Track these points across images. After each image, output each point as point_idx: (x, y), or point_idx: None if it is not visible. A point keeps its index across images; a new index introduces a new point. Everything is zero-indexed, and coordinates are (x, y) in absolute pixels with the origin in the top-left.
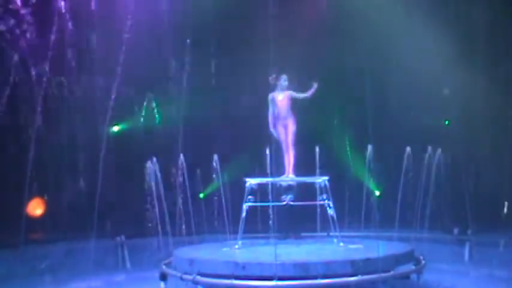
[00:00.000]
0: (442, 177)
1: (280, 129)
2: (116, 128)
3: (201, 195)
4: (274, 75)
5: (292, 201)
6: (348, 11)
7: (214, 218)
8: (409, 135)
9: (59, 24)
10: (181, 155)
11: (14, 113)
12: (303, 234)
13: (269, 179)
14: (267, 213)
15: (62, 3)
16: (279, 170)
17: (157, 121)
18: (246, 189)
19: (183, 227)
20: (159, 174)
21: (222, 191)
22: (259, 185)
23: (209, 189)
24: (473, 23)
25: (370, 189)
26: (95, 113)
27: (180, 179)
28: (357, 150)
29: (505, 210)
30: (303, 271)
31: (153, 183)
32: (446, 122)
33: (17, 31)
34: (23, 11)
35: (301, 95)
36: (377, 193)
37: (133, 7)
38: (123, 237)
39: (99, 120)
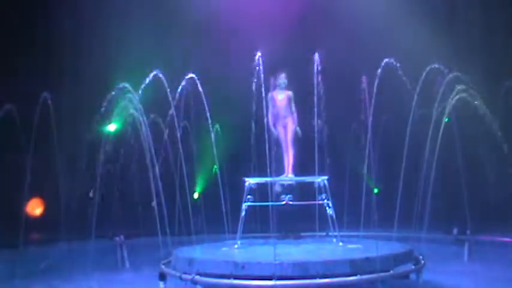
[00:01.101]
0: (441, 176)
1: (280, 129)
2: (112, 127)
3: (195, 196)
4: (275, 76)
5: (292, 201)
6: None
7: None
8: (408, 133)
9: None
10: (181, 153)
11: (13, 114)
12: (302, 234)
13: (268, 179)
14: (266, 212)
15: None
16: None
17: None
18: (245, 189)
19: (182, 226)
20: (158, 173)
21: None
22: (258, 184)
23: (200, 187)
24: (473, 22)
25: (369, 188)
26: (93, 112)
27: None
28: (356, 149)
29: None
30: (302, 271)
31: (152, 182)
32: (447, 119)
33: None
34: None
35: (295, 113)
36: (375, 191)
37: None
38: (122, 237)
39: (95, 120)
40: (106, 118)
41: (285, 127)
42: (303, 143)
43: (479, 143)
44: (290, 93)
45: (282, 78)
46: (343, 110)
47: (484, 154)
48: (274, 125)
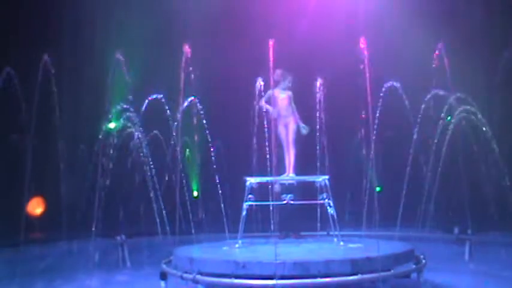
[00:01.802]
0: (442, 175)
1: (281, 128)
2: (112, 125)
3: (195, 195)
4: (280, 72)
5: (293, 200)
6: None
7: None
8: (408, 133)
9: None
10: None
11: (12, 112)
12: (303, 233)
13: (269, 178)
14: (267, 212)
15: None
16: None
17: None
18: (246, 188)
19: (183, 225)
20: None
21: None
22: (259, 184)
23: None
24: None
25: (369, 187)
26: (92, 110)
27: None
28: (358, 148)
29: None
30: (303, 270)
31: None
32: (449, 118)
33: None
34: None
35: (296, 113)
36: (378, 189)
37: None
38: (123, 236)
39: (97, 117)
40: (106, 117)
41: (286, 126)
42: (304, 143)
43: (480, 142)
44: (290, 93)
45: (288, 81)
46: (345, 109)
47: (485, 154)
48: (276, 126)
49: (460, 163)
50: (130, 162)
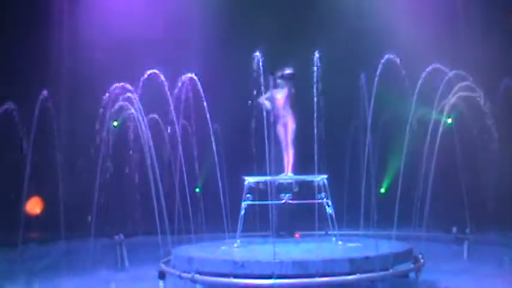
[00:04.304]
0: (441, 175)
1: (280, 128)
2: (115, 123)
3: (197, 189)
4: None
5: (291, 199)
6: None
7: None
8: (406, 134)
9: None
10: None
11: (12, 112)
12: (300, 232)
13: (268, 178)
14: (266, 211)
15: None
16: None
17: None
18: (245, 188)
19: (182, 225)
20: (157, 168)
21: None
22: (258, 183)
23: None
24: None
25: (370, 187)
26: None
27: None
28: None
29: None
30: (301, 269)
31: (151, 179)
32: (449, 121)
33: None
34: None
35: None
36: (382, 190)
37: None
38: (121, 235)
39: (97, 116)
40: (105, 116)
41: (284, 126)
42: (303, 142)
43: (479, 142)
44: (287, 90)
45: (282, 80)
46: (344, 108)
47: (484, 153)
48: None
49: (458, 162)
50: (130, 160)
